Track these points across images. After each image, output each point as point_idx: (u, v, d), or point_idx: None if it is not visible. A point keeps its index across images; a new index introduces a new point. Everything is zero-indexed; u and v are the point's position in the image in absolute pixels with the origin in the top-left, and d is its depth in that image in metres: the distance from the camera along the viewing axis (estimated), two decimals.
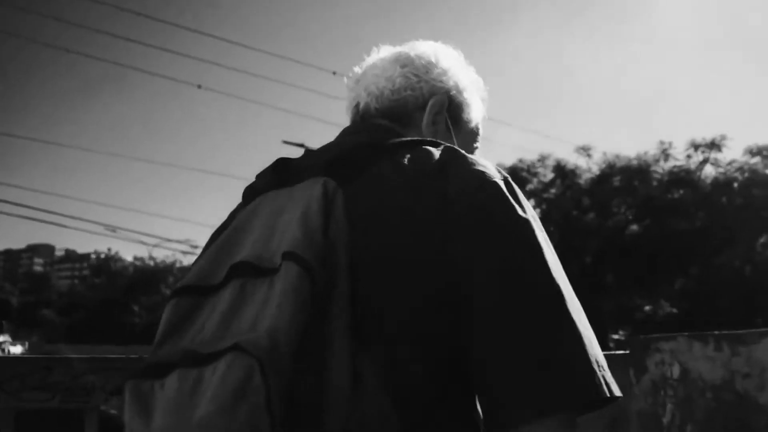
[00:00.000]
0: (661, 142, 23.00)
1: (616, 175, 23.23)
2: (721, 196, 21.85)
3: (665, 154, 22.82)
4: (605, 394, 0.86)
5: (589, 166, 23.86)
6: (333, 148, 1.12)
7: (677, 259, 21.39)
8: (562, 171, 23.87)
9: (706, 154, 22.34)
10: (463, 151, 1.04)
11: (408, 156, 1.02)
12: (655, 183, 22.67)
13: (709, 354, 2.53)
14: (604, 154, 23.73)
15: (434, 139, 1.10)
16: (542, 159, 24.14)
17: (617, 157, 23.30)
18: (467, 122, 1.25)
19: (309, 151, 1.08)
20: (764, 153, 21.80)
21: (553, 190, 24.22)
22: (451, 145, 1.07)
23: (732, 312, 20.25)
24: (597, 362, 0.87)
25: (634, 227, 23.48)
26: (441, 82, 1.21)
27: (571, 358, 0.86)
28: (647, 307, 24.36)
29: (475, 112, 1.27)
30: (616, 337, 25.99)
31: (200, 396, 0.77)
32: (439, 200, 0.95)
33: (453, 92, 1.22)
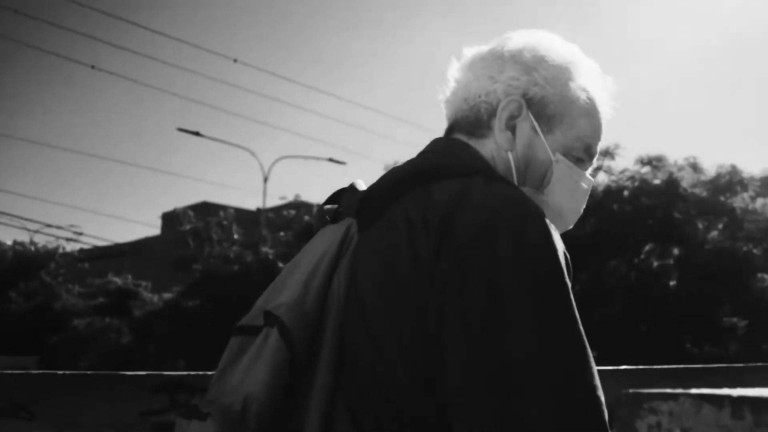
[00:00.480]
0: None
1: None
2: (612, 203, 22.35)
3: None
4: None
5: None
6: (380, 181, 1.09)
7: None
8: None
9: (600, 162, 22.80)
10: (488, 189, 0.94)
11: (424, 197, 0.96)
12: None
13: (723, 421, 2.01)
14: None
15: (474, 167, 1.02)
16: None
17: None
18: (562, 119, 1.09)
19: (352, 188, 1.07)
20: (654, 163, 22.50)
21: None
22: (480, 182, 0.96)
23: (617, 318, 20.79)
24: None
25: None
26: (518, 80, 1.07)
27: None
28: None
29: (581, 107, 1.09)
30: None
31: None
32: (431, 260, 0.89)
33: (534, 89, 1.07)
